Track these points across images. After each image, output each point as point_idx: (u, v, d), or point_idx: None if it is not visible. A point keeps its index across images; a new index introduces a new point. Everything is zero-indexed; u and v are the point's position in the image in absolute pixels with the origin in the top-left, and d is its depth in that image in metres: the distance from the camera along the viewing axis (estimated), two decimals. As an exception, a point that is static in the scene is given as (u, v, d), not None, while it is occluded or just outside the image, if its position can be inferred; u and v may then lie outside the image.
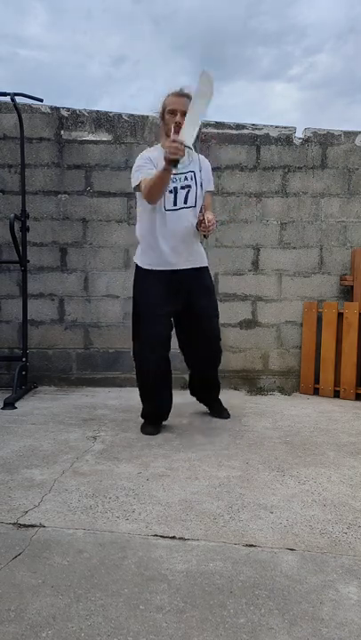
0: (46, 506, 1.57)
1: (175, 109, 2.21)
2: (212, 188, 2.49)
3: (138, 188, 2.30)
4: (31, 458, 2.02)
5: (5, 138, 3.44)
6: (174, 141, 2.01)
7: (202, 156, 2.47)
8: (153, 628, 1.02)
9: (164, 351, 2.40)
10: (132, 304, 2.44)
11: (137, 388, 2.49)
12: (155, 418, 2.49)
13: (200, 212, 2.30)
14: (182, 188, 2.30)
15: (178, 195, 2.29)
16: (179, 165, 2.09)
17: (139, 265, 2.43)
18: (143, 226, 2.38)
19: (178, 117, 2.18)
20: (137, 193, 2.37)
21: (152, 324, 2.34)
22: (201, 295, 2.44)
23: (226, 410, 2.74)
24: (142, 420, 2.53)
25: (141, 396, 2.50)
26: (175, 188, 2.29)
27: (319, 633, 1.01)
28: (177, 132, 2.12)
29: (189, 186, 2.32)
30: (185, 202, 2.30)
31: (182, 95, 2.24)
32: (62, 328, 3.53)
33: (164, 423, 2.53)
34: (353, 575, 1.22)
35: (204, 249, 2.56)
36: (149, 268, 2.38)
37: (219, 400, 2.77)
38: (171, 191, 2.28)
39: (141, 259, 2.42)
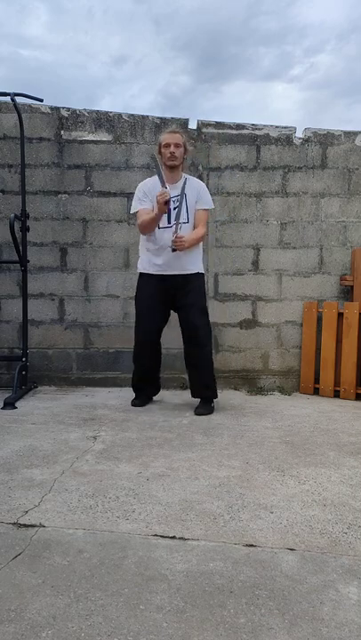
0: (46, 506, 1.57)
1: (169, 143, 2.71)
2: (203, 206, 2.81)
3: (136, 214, 2.84)
4: (31, 458, 2.02)
5: (5, 138, 3.44)
6: (162, 193, 2.60)
7: (196, 180, 2.89)
8: (153, 627, 1.02)
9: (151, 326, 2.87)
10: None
11: None
12: (140, 380, 2.95)
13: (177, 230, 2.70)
14: (174, 209, 2.74)
15: (171, 214, 2.74)
16: (172, 194, 2.69)
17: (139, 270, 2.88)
18: (143, 238, 2.85)
19: (172, 148, 2.70)
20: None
21: (146, 318, 2.86)
22: (185, 295, 2.77)
23: (211, 407, 2.83)
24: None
25: (134, 359, 2.95)
26: (169, 210, 2.73)
27: (319, 633, 1.01)
28: (172, 159, 2.71)
29: (178, 207, 2.74)
30: (176, 219, 2.73)
31: (173, 132, 2.76)
32: (62, 328, 3.53)
33: (163, 422, 2.54)
34: (353, 575, 1.22)
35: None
36: (144, 271, 2.83)
37: (208, 401, 2.86)
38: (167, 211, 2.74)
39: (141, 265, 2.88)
